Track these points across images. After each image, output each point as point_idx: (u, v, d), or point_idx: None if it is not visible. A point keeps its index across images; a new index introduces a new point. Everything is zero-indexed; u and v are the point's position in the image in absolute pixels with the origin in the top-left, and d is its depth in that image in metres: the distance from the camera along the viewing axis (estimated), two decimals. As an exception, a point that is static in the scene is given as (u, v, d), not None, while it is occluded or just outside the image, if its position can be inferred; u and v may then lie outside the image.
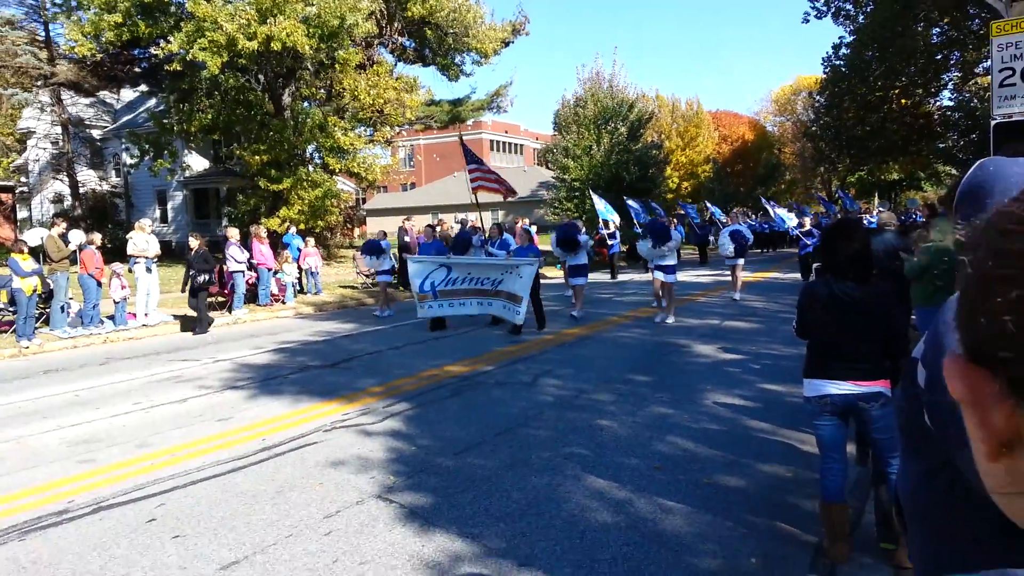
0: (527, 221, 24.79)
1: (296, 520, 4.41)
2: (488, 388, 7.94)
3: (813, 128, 39.42)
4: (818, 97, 37.72)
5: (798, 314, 3.91)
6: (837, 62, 33.00)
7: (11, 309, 12.01)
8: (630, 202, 23.33)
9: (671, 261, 12.22)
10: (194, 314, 13.09)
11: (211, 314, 13.53)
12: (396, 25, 25.35)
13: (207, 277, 12.96)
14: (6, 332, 11.97)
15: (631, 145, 31.39)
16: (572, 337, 11.10)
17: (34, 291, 11.54)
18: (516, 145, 69.19)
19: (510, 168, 61.85)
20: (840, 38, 32.95)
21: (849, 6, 31.96)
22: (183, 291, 13.61)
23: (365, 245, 15.36)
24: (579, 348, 10.31)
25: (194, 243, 13.34)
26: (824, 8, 32.10)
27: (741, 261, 15.27)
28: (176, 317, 13.84)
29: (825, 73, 34.34)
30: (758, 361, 9.03)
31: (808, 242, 18.17)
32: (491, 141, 64.90)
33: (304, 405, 7.29)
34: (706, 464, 5.29)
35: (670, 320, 12.09)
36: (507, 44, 28.23)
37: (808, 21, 32.93)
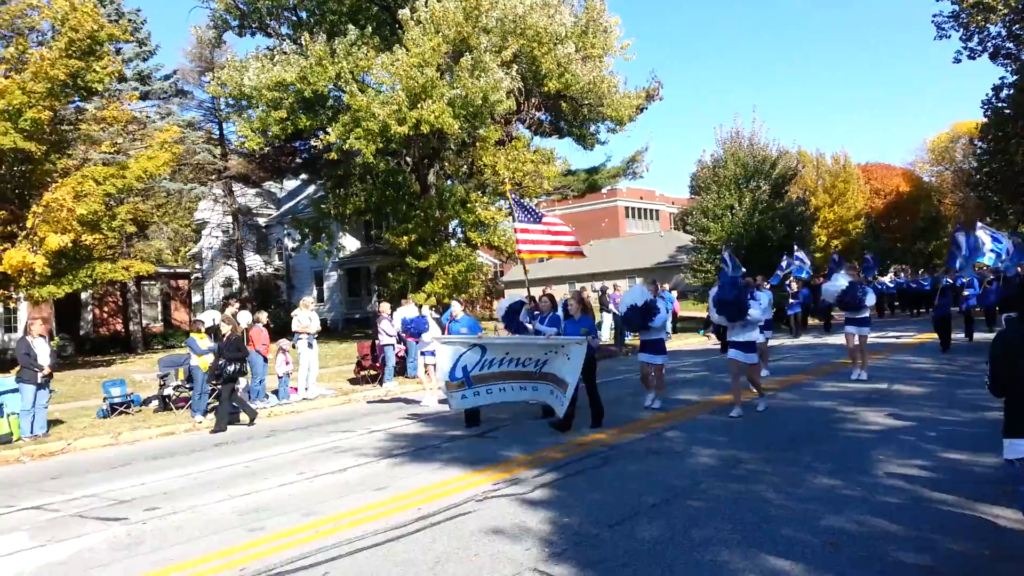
0: (583, 289, 22.99)
1: (455, 592, 4.37)
2: (639, 457, 7.68)
3: (977, 176, 36.65)
4: (980, 143, 35.16)
5: (992, 367, 3.51)
6: (999, 104, 30.73)
7: (188, 386, 13.07)
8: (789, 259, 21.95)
9: (864, 314, 12.14)
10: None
11: (363, 387, 13.87)
12: (533, 101, 26.26)
13: (239, 366, 11.85)
14: (182, 408, 13.01)
15: (775, 203, 30.43)
16: (724, 403, 10.61)
17: (209, 369, 12.52)
18: (651, 211, 68.89)
19: (646, 234, 61.54)
20: (1001, 79, 30.71)
21: (1010, 45, 29.87)
22: (209, 382, 12.39)
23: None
24: (729, 413, 9.81)
25: (225, 328, 12.13)
26: (979, 48, 30.19)
27: (860, 330, 12.30)
28: (332, 391, 14.55)
29: (986, 117, 32.05)
30: (935, 428, 8.21)
31: (968, 293, 16.61)
32: (626, 208, 65.04)
33: (456, 474, 7.34)
34: (886, 540, 4.78)
35: (863, 375, 12.01)
36: (641, 110, 28.49)
37: (960, 61, 31.04)
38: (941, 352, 15.51)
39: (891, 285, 29.57)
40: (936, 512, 5.31)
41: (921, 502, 5.56)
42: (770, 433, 8.47)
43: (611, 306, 22.12)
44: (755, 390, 10.02)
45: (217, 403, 11.81)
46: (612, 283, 31.67)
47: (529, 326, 10.90)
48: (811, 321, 26.20)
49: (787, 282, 21.98)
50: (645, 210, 67.99)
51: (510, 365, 9.78)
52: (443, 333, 11.53)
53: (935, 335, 16.53)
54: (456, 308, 11.59)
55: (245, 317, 15.26)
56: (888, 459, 6.86)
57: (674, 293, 24.58)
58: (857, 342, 12.29)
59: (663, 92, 29.15)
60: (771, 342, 14.82)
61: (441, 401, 11.70)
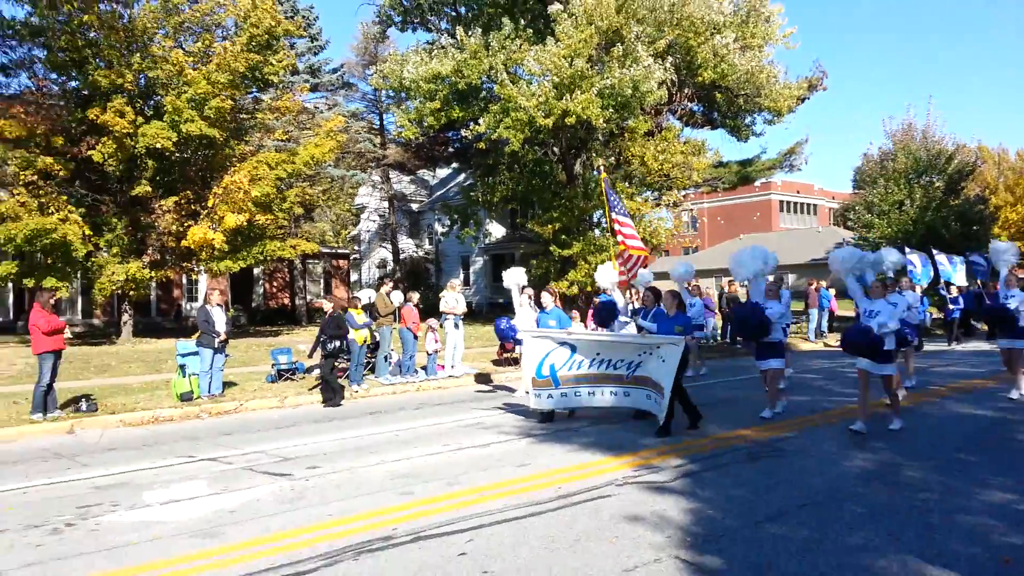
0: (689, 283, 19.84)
1: (595, 570, 4.42)
2: (789, 456, 7.38)
3: None
4: None
5: None
6: None
7: (346, 357, 13.92)
8: (940, 257, 19.89)
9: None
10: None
11: (505, 368, 14.11)
12: (686, 91, 25.63)
13: (339, 344, 11.84)
14: (341, 378, 13.86)
15: (949, 200, 28.02)
16: (885, 408, 9.95)
17: (364, 342, 13.27)
18: (809, 205, 65.29)
19: (801, 229, 58.47)
20: None
21: None
22: (309, 356, 12.94)
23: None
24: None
25: (327, 306, 12.39)
26: None
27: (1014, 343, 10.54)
28: (477, 373, 14.99)
29: None
30: None
31: None
32: (780, 202, 62.05)
33: (597, 458, 7.38)
34: (1076, 567, 4.34)
35: (1014, 395, 10.29)
36: (802, 101, 27.11)
37: None
38: None
39: None
40: None
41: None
42: (936, 441, 7.87)
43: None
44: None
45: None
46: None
47: (625, 319, 10.46)
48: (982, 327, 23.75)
49: (941, 285, 20.04)
50: (802, 204, 64.56)
51: (601, 367, 9.18)
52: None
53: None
54: (547, 299, 10.89)
55: (398, 296, 15.99)
56: (1076, 480, 6.20)
57: (832, 291, 23.19)
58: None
59: (827, 82, 27.55)
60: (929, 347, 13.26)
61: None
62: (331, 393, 11.77)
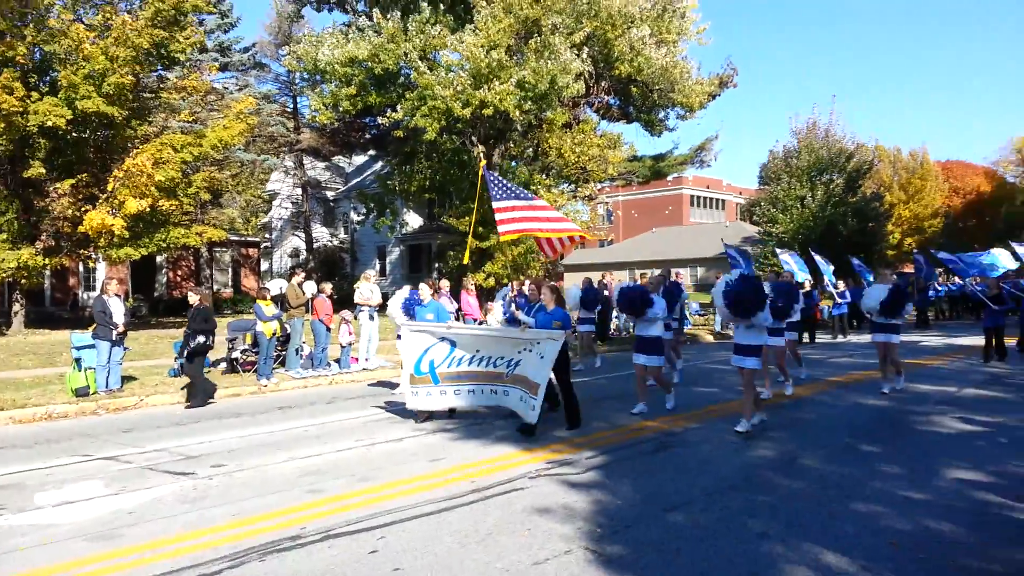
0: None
1: (507, 563, 4.43)
2: (695, 446, 7.62)
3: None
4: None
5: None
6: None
7: (254, 350, 13.49)
8: (818, 258, 21.80)
9: (897, 320, 10.57)
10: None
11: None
12: (603, 84, 26.01)
13: (205, 339, 10.79)
14: (249, 371, 13.44)
15: (848, 197, 29.52)
16: (787, 399, 10.41)
17: (274, 334, 12.88)
18: (718, 200, 67.60)
19: (710, 224, 60.49)
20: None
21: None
22: (178, 357, 11.89)
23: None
24: (795, 411, 9.64)
25: (193, 299, 11.25)
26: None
27: (889, 338, 10.64)
28: (391, 362, 14.83)
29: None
30: (1009, 434, 7.92)
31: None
32: (691, 196, 63.99)
33: (509, 451, 7.41)
34: (951, 547, 4.65)
35: (887, 389, 10.77)
36: (713, 97, 27.93)
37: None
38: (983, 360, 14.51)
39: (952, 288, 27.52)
40: (1008, 521, 5.14)
41: (991, 509, 5.40)
42: (834, 432, 8.28)
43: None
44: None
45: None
46: (675, 271, 31.23)
47: (519, 315, 9.98)
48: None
49: (827, 283, 21.50)
50: (711, 199, 66.79)
51: (481, 364, 8.72)
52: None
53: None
54: (424, 291, 10.02)
55: (311, 287, 15.62)
56: (957, 464, 6.65)
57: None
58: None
59: (737, 79, 28.49)
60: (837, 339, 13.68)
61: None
62: (197, 393, 10.78)
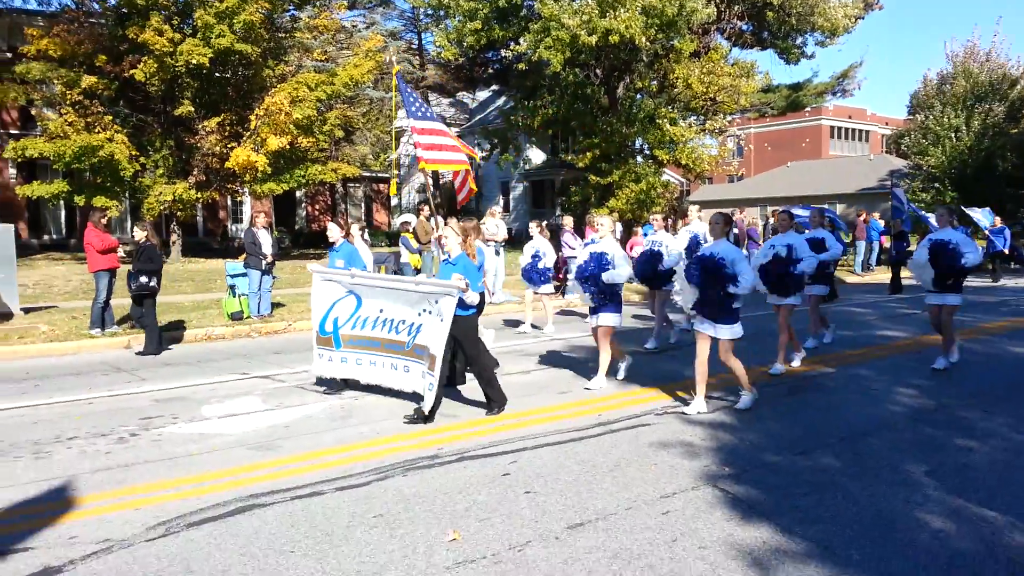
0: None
1: (634, 495, 4.56)
2: (829, 391, 7.41)
3: None
4: None
5: None
6: None
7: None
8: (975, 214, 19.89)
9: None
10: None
11: (550, 298, 13.90)
12: (735, 8, 24.62)
13: (148, 280, 9.68)
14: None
15: (1008, 128, 26.81)
16: (928, 344, 9.86)
17: (418, 268, 13.45)
18: (861, 132, 62.97)
19: (853, 156, 56.63)
20: None
21: None
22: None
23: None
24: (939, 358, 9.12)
25: (139, 234, 10.11)
26: None
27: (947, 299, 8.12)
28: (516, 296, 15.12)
29: None
30: None
31: None
32: (831, 128, 59.92)
33: (636, 388, 7.49)
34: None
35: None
36: (858, 20, 25.82)
37: None
38: None
39: None
40: None
41: None
42: (984, 381, 7.81)
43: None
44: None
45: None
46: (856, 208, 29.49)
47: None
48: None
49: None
50: (854, 130, 62.28)
51: (383, 328, 6.98)
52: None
53: None
54: (333, 231, 8.25)
55: (438, 222, 16.04)
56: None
57: (882, 222, 22.37)
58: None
59: (883, 1, 26.16)
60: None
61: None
62: (150, 339, 9.78)
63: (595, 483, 4.77)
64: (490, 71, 32.39)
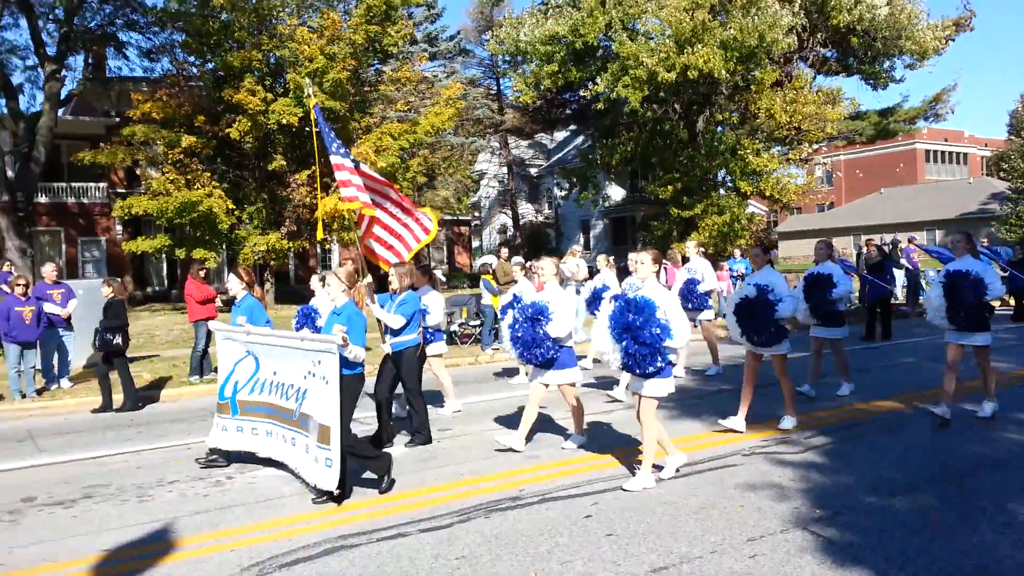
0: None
1: (719, 538, 4.44)
2: (929, 427, 7.02)
3: None
4: None
5: None
6: None
7: (472, 324, 14.34)
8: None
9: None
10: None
11: None
12: (818, 36, 24.18)
13: (112, 337, 9.13)
14: (466, 343, 14.32)
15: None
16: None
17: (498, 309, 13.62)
18: (958, 154, 60.12)
19: (950, 180, 54.12)
20: None
21: None
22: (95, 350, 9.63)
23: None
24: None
25: (106, 291, 9.44)
26: None
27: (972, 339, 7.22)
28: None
29: None
30: None
31: None
32: (927, 151, 57.44)
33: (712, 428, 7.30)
34: None
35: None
36: (949, 42, 24.89)
37: None
38: None
39: None
40: None
41: None
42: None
43: (903, 261, 19.50)
44: None
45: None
46: (906, 235, 28.40)
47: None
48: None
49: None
50: (950, 153, 59.51)
51: (276, 393, 6.16)
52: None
53: None
54: (234, 283, 7.23)
55: (519, 263, 16.21)
56: None
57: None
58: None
59: (974, 21, 25.14)
60: None
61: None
62: (127, 396, 9.49)
63: (678, 526, 4.67)
64: (567, 112, 32.82)
